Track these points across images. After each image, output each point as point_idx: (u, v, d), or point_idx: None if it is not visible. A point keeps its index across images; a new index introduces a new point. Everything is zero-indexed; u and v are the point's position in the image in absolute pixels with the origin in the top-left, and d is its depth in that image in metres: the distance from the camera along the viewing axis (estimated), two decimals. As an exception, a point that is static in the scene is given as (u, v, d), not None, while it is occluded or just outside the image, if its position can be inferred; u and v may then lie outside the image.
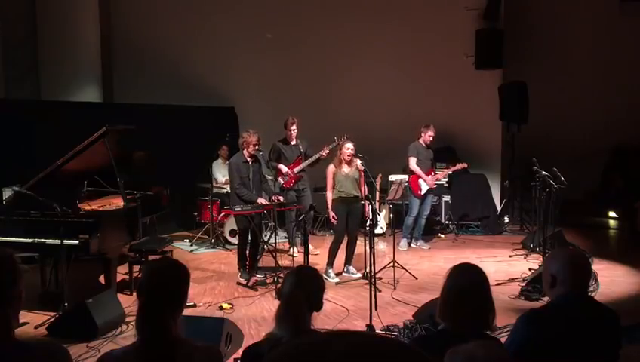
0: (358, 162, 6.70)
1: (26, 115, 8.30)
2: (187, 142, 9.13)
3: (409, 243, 8.47)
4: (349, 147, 6.71)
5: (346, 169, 6.76)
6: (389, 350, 1.03)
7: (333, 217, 6.76)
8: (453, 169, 8.62)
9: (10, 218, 5.62)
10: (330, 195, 6.79)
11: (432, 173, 8.33)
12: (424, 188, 8.22)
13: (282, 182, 7.86)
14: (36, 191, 5.36)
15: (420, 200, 8.26)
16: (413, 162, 8.20)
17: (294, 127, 7.89)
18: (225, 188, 9.15)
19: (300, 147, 7.97)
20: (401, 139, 8.54)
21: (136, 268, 6.25)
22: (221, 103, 10.50)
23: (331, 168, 6.81)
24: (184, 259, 7.40)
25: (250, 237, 6.90)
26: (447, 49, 10.29)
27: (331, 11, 10.49)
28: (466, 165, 8.62)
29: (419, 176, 8.15)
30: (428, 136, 8.20)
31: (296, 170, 7.95)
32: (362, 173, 6.74)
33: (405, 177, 8.32)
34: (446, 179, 9.76)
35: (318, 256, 7.57)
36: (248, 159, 6.78)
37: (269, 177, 7.54)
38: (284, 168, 7.94)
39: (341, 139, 7.18)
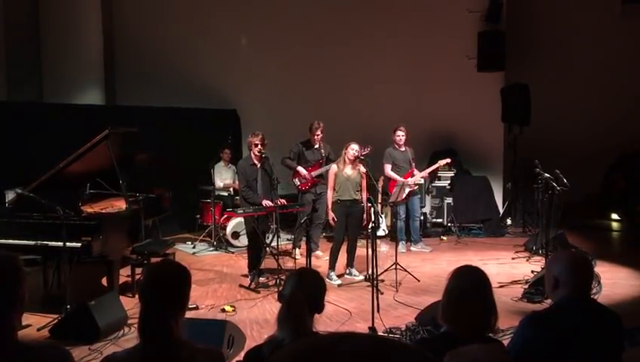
0: (361, 167, 6.70)
1: (28, 117, 8.32)
2: (189, 145, 9.16)
3: (405, 243, 8.48)
4: (354, 148, 6.71)
5: (348, 171, 6.74)
6: (395, 352, 1.03)
7: (332, 219, 6.76)
8: (434, 167, 8.57)
9: (12, 220, 5.63)
10: (330, 195, 6.79)
11: (413, 174, 8.22)
12: (405, 191, 8.18)
13: (298, 183, 7.82)
14: (39, 194, 5.36)
15: (404, 204, 8.22)
16: (387, 169, 8.20)
17: (319, 132, 7.74)
18: (225, 191, 9.17)
19: (322, 151, 7.83)
20: (403, 142, 8.51)
21: (138, 270, 6.24)
22: (223, 106, 10.52)
23: (334, 168, 6.81)
24: (186, 261, 7.40)
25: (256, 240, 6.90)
26: (449, 51, 10.30)
27: (334, 14, 10.51)
28: (449, 160, 8.61)
29: (396, 181, 8.08)
30: (396, 136, 8.16)
31: (314, 173, 7.80)
32: (364, 176, 6.74)
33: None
34: (448, 181, 9.77)
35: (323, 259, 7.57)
36: (256, 162, 6.74)
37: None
38: (302, 170, 7.83)
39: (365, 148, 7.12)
